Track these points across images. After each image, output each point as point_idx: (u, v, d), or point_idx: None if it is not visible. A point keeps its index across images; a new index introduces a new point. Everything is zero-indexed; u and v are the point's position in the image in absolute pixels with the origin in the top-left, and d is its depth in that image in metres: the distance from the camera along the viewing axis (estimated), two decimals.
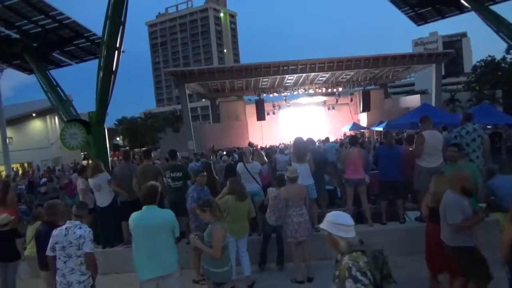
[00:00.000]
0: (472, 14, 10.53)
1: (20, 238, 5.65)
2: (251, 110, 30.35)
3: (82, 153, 34.10)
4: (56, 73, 9.91)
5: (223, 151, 17.44)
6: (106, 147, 8.14)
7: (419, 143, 6.11)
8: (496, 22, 9.88)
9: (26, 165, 32.09)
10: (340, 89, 29.81)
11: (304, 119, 31.16)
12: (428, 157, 6.10)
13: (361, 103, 28.85)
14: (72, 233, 3.83)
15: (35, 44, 9.39)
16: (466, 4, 10.49)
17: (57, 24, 9.05)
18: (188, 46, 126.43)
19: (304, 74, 25.77)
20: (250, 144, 22.68)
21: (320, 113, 32.06)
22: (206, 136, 28.41)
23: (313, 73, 25.54)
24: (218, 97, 34.38)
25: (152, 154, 9.56)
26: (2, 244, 5.46)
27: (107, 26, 7.33)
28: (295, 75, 26.10)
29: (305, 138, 7.09)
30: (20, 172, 26.48)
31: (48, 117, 35.47)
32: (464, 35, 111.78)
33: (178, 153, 7.62)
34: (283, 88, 29.35)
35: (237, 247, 5.39)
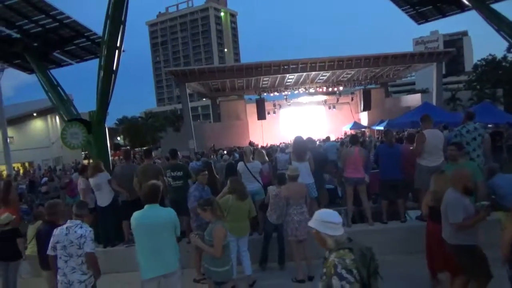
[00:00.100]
0: (473, 13, 10.50)
1: (21, 238, 5.66)
2: (251, 109, 30.36)
3: (83, 153, 34.15)
4: (57, 73, 9.94)
5: (223, 151, 17.47)
6: (107, 147, 8.15)
7: (420, 142, 6.11)
8: (497, 21, 9.85)
9: (27, 164, 32.14)
10: (341, 88, 29.80)
11: (305, 118, 31.14)
12: (428, 156, 6.09)
13: (362, 102, 28.85)
14: (73, 233, 3.83)
15: (35, 44, 9.39)
16: (467, 3, 10.45)
17: (57, 23, 9.04)
18: (189, 45, 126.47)
19: (304, 73, 25.77)
20: (251, 144, 22.69)
21: (320, 112, 32.04)
22: (206, 135, 28.43)
23: (313, 72, 25.54)
24: (218, 97, 34.37)
25: (153, 154, 9.57)
26: (3, 244, 5.48)
27: (107, 26, 7.33)
28: (296, 74, 26.10)
29: (305, 137, 7.09)
30: (21, 171, 26.52)
31: (49, 117, 35.53)
32: (465, 33, 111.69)
33: (178, 153, 7.63)
34: (283, 87, 29.34)
35: (238, 246, 5.39)
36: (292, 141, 7.15)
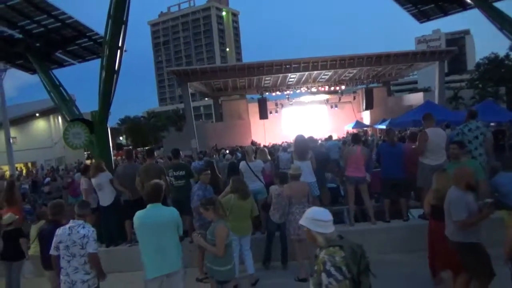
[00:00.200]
0: (475, 11, 10.49)
1: (24, 238, 5.68)
2: (253, 108, 30.36)
3: (85, 153, 34.20)
4: (59, 73, 9.96)
5: (226, 150, 17.48)
6: (109, 147, 8.17)
7: (422, 140, 6.09)
8: (500, 19, 9.82)
9: (29, 164, 32.22)
10: (343, 87, 29.70)
11: (307, 118, 31.09)
12: (431, 154, 6.08)
13: (364, 101, 28.78)
14: (76, 232, 3.84)
15: (38, 44, 9.41)
16: (469, 1, 10.44)
17: (59, 23, 9.06)
18: (191, 45, 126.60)
19: (306, 73, 25.75)
20: (253, 143, 22.68)
21: (323, 112, 32.00)
22: (209, 135, 28.44)
23: (315, 71, 25.51)
24: (220, 96, 34.39)
25: (155, 153, 9.59)
26: (6, 244, 5.50)
27: (109, 26, 7.34)
28: (298, 74, 26.09)
29: (306, 137, 7.09)
30: (24, 172, 26.61)
31: (51, 117, 35.60)
32: (467, 32, 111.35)
33: (181, 152, 7.64)
34: (285, 86, 29.33)
35: (240, 245, 5.39)
36: (293, 140, 7.13)
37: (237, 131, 29.25)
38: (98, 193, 6.77)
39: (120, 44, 7.48)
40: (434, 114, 6.61)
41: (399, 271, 5.42)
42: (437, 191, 4.42)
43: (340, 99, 31.17)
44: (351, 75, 28.86)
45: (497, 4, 10.13)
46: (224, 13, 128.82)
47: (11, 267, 5.53)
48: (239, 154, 11.73)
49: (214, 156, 15.43)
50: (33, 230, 6.10)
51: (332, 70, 25.75)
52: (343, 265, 2.22)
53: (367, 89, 28.63)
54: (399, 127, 19.03)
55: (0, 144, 23.24)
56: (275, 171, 7.74)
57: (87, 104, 11.13)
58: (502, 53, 44.50)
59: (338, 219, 7.43)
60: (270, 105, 30.42)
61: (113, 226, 6.79)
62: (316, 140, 9.20)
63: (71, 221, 3.99)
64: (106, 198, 6.72)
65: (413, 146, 6.71)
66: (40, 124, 35.01)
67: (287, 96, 30.11)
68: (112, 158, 8.53)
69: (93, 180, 6.74)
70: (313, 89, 29.46)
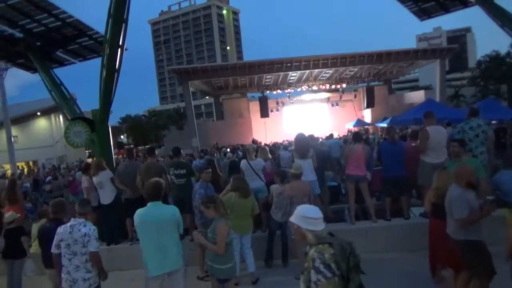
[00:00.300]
0: (477, 9, 10.47)
1: (26, 236, 5.70)
2: (254, 107, 30.33)
3: (87, 151, 34.25)
4: (60, 72, 9.98)
5: (227, 149, 17.48)
6: (110, 145, 8.18)
7: (423, 138, 6.09)
8: (501, 17, 9.81)
9: (31, 163, 32.28)
10: (344, 85, 29.63)
11: (308, 116, 31.06)
12: (432, 152, 6.07)
13: (365, 99, 28.73)
14: (77, 231, 3.85)
15: (38, 43, 9.42)
16: None
17: (60, 22, 9.07)
18: (191, 43, 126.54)
19: (307, 71, 25.69)
20: (254, 141, 22.68)
21: (324, 110, 31.94)
22: (210, 133, 28.44)
23: (316, 70, 25.46)
24: (221, 95, 34.34)
25: (156, 152, 9.59)
26: (8, 242, 5.52)
27: (109, 25, 7.34)
28: (299, 72, 26.03)
29: (307, 135, 7.08)
30: (26, 170, 26.65)
31: (52, 116, 35.64)
32: (468, 30, 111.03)
33: (182, 151, 7.64)
34: (286, 85, 29.27)
35: (241, 244, 5.40)
36: (294, 139, 7.12)
37: (238, 129, 29.24)
38: (99, 192, 6.78)
39: (120, 43, 7.48)
40: (435, 112, 6.60)
41: (400, 269, 5.42)
42: (437, 189, 4.41)
43: (341, 97, 31.09)
44: (352, 73, 28.79)
45: (498, 1, 10.11)
46: (224, 12, 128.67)
47: (12, 265, 5.55)
48: (240, 153, 11.74)
49: (215, 154, 15.44)
50: (35, 229, 6.12)
51: (333, 68, 25.67)
52: (332, 262, 2.24)
53: (368, 87, 28.57)
54: (400, 125, 18.98)
55: (2, 143, 23.28)
56: (275, 170, 7.75)
57: (88, 103, 11.13)
58: (503, 51, 44.34)
59: (339, 217, 7.45)
60: (271, 104, 30.38)
61: (114, 224, 6.81)
62: (316, 139, 9.18)
63: (72, 219, 4.00)
64: (107, 196, 6.73)
65: (414, 144, 6.71)
66: (41, 123, 35.05)
67: (288, 94, 30.06)
68: (113, 156, 8.54)
69: (94, 179, 6.75)
70: (314, 88, 29.39)
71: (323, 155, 7.21)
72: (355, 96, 31.94)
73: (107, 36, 7.43)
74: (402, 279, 5.08)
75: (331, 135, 14.75)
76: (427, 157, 6.12)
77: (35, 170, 26.10)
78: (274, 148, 13.39)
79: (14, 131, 24.12)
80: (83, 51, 10.60)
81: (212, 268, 4.09)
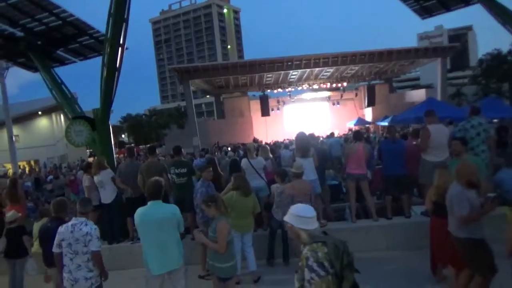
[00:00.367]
0: (478, 7, 10.44)
1: (27, 235, 5.70)
2: (255, 106, 30.34)
3: (88, 150, 34.31)
4: (61, 71, 10.00)
5: (228, 147, 17.47)
6: (111, 144, 8.19)
7: (425, 137, 6.07)
8: (503, 15, 9.79)
9: (32, 162, 32.34)
10: (345, 84, 29.60)
11: (309, 115, 31.09)
12: (433, 151, 6.06)
13: (366, 98, 28.70)
14: (78, 230, 3.85)
15: (39, 42, 9.43)
16: None
17: (60, 21, 9.08)
18: (192, 42, 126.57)
19: (308, 70, 25.63)
20: (255, 140, 22.66)
21: (324, 109, 31.95)
22: (211, 132, 28.46)
23: (317, 68, 25.40)
24: (222, 93, 34.33)
25: (157, 151, 9.60)
26: (9, 241, 5.52)
27: (110, 24, 7.35)
28: (299, 71, 25.98)
29: (307, 134, 7.06)
30: (27, 169, 26.70)
31: (53, 115, 35.68)
32: (469, 28, 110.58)
33: (183, 150, 7.64)
34: (287, 83, 29.24)
35: (242, 242, 5.40)
36: (294, 138, 7.11)
37: (239, 128, 29.24)
38: (100, 191, 6.79)
39: (121, 42, 7.48)
40: (436, 111, 6.59)
41: (401, 268, 5.42)
42: (438, 187, 4.40)
43: (342, 96, 31.11)
44: (353, 72, 28.73)
45: None
46: (225, 10, 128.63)
47: (14, 265, 5.56)
48: (241, 152, 11.73)
49: (216, 153, 15.44)
50: (36, 228, 6.11)
51: (334, 67, 25.61)
52: (325, 261, 2.25)
53: (369, 86, 28.54)
54: (402, 123, 18.96)
55: (3, 142, 23.33)
56: (276, 169, 7.75)
57: (89, 102, 11.16)
58: (505, 49, 44.14)
59: (339, 216, 7.44)
60: (271, 102, 30.39)
61: (115, 223, 6.81)
62: (317, 138, 9.17)
63: (73, 218, 4.00)
64: (107, 195, 6.74)
65: (415, 143, 6.69)
66: (42, 122, 35.11)
67: (288, 93, 30.06)
68: (114, 155, 8.54)
69: (95, 178, 6.76)
70: (315, 86, 29.37)
71: (324, 154, 7.20)
72: (356, 95, 31.92)
73: (108, 35, 7.44)
74: (403, 278, 5.08)
75: (332, 134, 14.75)
76: (428, 156, 6.10)
77: (37, 169, 26.16)
78: (275, 147, 13.37)
79: (15, 130, 24.15)
80: (83, 50, 10.60)
81: (213, 267, 4.09)
